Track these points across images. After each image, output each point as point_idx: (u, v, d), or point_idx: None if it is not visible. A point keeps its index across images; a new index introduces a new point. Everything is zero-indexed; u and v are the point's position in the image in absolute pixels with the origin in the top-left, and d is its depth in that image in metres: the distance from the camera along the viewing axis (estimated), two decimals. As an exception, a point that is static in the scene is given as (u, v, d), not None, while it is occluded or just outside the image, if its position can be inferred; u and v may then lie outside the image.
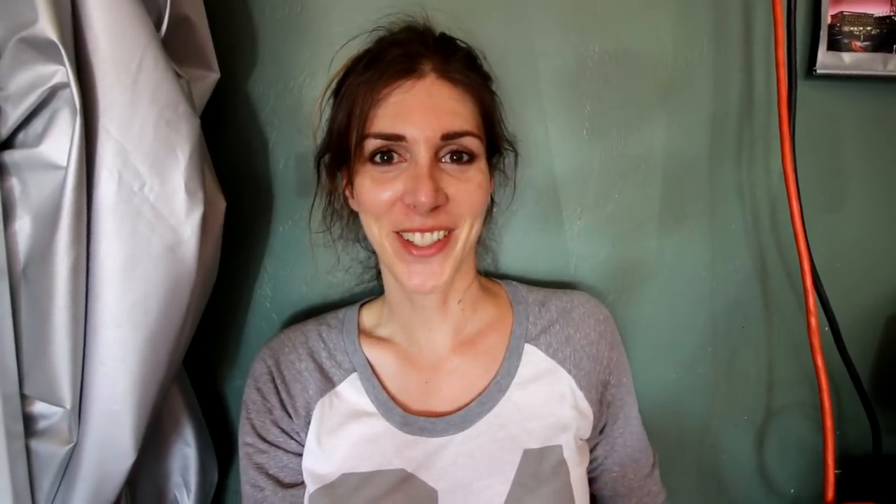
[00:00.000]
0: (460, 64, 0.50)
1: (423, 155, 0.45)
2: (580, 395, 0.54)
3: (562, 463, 0.51)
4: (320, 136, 0.55)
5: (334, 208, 0.57)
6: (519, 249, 0.69)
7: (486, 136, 0.50)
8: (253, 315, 0.69)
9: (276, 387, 0.54)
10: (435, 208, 0.45)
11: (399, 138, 0.45)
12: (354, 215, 0.56)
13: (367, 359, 0.54)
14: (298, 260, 0.67)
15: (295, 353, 0.55)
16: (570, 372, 0.55)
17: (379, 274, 0.61)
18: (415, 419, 0.52)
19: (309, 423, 0.53)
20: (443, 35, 0.52)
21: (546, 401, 0.53)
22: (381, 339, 0.56)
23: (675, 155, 0.67)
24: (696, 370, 0.72)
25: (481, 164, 0.49)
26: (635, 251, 0.69)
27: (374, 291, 0.66)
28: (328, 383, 0.54)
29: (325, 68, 0.58)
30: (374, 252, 0.60)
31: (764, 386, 0.74)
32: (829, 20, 0.64)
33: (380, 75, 0.46)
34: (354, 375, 0.54)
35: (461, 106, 0.48)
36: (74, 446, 0.46)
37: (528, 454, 0.50)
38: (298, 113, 0.63)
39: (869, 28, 0.64)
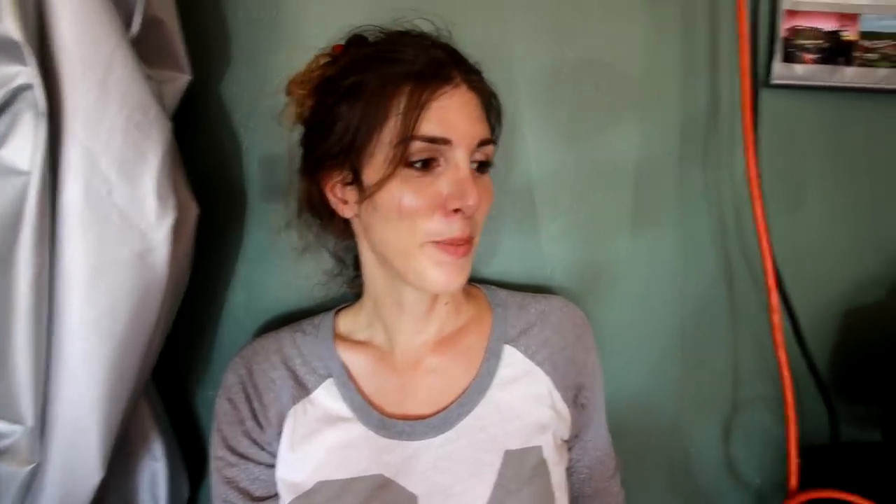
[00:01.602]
0: (478, 75, 0.51)
1: (464, 160, 0.46)
2: (557, 396, 0.55)
3: (542, 463, 0.52)
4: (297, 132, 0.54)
5: (314, 211, 0.55)
6: (495, 253, 0.70)
7: (495, 141, 0.52)
8: (226, 323, 0.67)
9: (247, 397, 0.53)
10: (467, 213, 0.46)
11: (446, 142, 0.45)
12: (334, 220, 0.54)
13: (343, 363, 0.54)
14: (273, 266, 0.66)
15: (268, 362, 0.54)
16: (547, 374, 0.55)
17: (353, 280, 0.60)
18: (393, 423, 0.51)
19: (281, 432, 0.52)
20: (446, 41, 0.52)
21: (525, 402, 0.54)
22: (357, 343, 0.56)
23: (646, 160, 0.70)
24: (666, 369, 0.75)
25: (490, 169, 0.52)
26: (608, 254, 0.71)
27: (348, 297, 0.65)
28: (302, 390, 0.53)
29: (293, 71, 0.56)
30: (341, 259, 0.59)
31: (730, 382, 0.76)
32: (783, 34, 0.67)
33: (419, 78, 0.45)
34: (330, 381, 0.53)
35: (485, 115, 0.50)
36: (36, 467, 0.44)
37: (508, 455, 0.51)
38: (274, 116, 0.62)
39: (819, 42, 0.68)
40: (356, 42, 0.50)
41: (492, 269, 0.70)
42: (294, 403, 0.52)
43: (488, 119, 0.51)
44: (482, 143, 0.47)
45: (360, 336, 0.56)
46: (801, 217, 0.72)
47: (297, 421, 0.52)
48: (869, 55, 0.69)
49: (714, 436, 0.78)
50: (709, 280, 0.73)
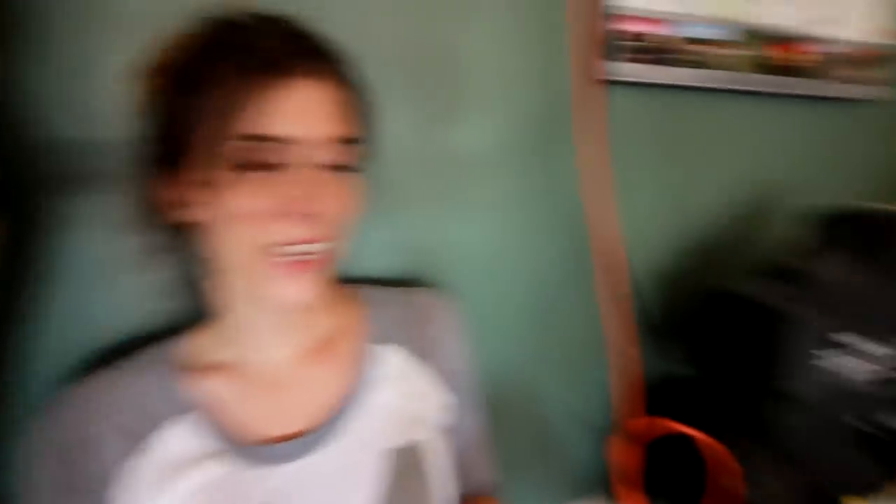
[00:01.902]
0: (335, 66, 0.45)
1: (310, 160, 0.41)
2: (438, 386, 0.57)
3: (426, 457, 0.52)
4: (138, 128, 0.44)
5: (150, 217, 0.47)
6: (355, 249, 0.67)
7: (359, 140, 0.47)
8: (34, 361, 0.52)
9: (64, 462, 0.43)
10: (317, 218, 0.41)
11: (291, 141, 0.40)
12: (174, 226, 0.46)
13: (192, 396, 0.46)
14: (98, 284, 0.53)
15: (91, 413, 0.44)
16: (427, 366, 0.56)
17: (197, 296, 0.52)
18: (263, 449, 0.46)
19: (111, 496, 0.43)
20: (301, 28, 0.45)
21: (407, 399, 0.53)
22: (210, 368, 0.48)
23: (501, 149, 0.75)
24: (523, 338, 0.83)
25: (356, 169, 0.46)
26: (468, 241, 0.75)
27: (194, 317, 0.55)
28: (138, 440, 0.44)
29: (121, 54, 0.49)
30: (183, 272, 0.52)
31: (578, 343, 0.87)
32: (610, 35, 0.76)
33: (255, 68, 0.38)
34: (180, 419, 0.45)
35: (341, 108, 0.43)
36: None
37: (393, 456, 0.50)
38: (89, 106, 0.51)
39: (644, 43, 0.79)
40: (199, 27, 0.43)
41: (353, 266, 0.68)
42: (128, 459, 0.43)
43: (349, 116, 0.45)
44: (336, 141, 0.42)
45: (212, 359, 0.49)
46: (634, 198, 0.84)
47: (138, 478, 0.43)
48: (689, 57, 0.82)
49: (567, 391, 0.89)
50: (557, 257, 0.82)
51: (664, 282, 0.92)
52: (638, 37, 0.77)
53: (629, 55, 0.78)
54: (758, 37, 0.87)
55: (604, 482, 1.00)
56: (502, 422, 0.83)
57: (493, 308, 0.79)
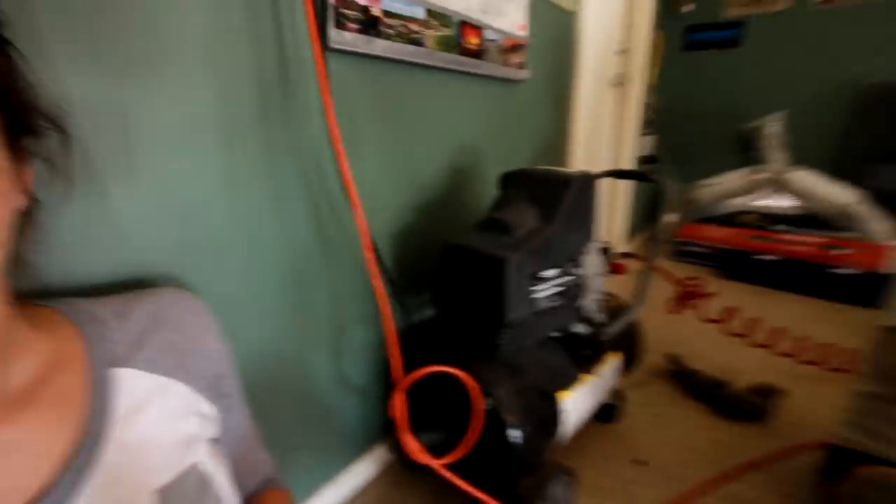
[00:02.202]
0: None
1: None
2: (199, 398, 0.50)
3: (203, 478, 0.47)
4: None
5: None
6: (64, 254, 0.51)
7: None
8: None
9: None
10: None
11: None
12: None
13: None
14: None
15: None
16: (181, 380, 0.48)
17: None
18: None
19: None
20: None
21: (163, 423, 0.45)
22: None
23: (227, 121, 0.66)
24: (281, 316, 0.80)
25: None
26: (203, 225, 0.66)
27: None
28: None
29: None
30: None
31: (334, 313, 0.89)
32: (332, 1, 0.75)
33: None
34: None
35: None
36: None
37: (163, 493, 0.43)
38: None
39: (357, 14, 0.80)
40: None
41: (64, 277, 0.52)
42: None
43: None
44: None
45: None
46: (363, 163, 0.88)
47: None
48: (389, 30, 0.87)
49: (328, 360, 0.90)
50: (303, 229, 0.81)
51: (399, 240, 1.02)
52: (351, 5, 0.78)
53: (353, 25, 0.79)
54: (448, 20, 1.00)
55: (381, 435, 1.09)
56: (273, 405, 0.80)
57: (248, 289, 0.73)
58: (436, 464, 0.76)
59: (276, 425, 0.82)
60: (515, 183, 0.97)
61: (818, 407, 1.35)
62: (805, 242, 2.53)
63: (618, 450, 1.17)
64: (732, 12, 3.27)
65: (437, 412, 0.86)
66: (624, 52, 2.35)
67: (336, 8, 0.76)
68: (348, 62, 0.81)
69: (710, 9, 3.32)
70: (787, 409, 1.34)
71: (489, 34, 1.14)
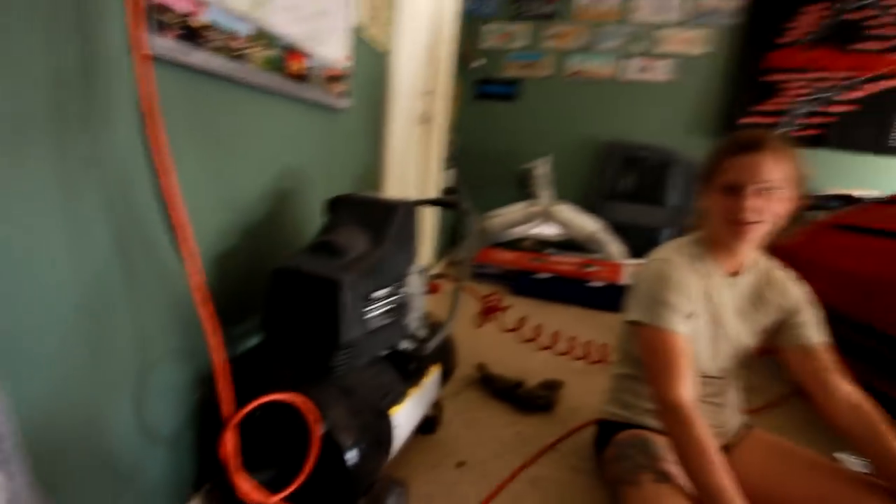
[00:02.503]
0: None
1: None
2: None
3: None
4: None
5: None
6: None
7: None
8: None
9: None
10: None
11: None
12: None
13: None
14: None
15: None
16: None
17: None
18: None
19: None
20: None
21: None
22: None
23: (9, 121, 0.54)
24: (75, 366, 0.67)
25: None
26: None
27: None
28: None
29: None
30: None
31: (139, 349, 0.78)
32: (146, 4, 0.68)
33: None
34: None
35: None
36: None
37: None
38: None
39: (178, 21, 0.74)
40: None
41: None
42: None
43: None
44: None
45: None
46: (180, 181, 0.78)
47: None
48: (211, 43, 0.82)
49: (130, 409, 0.78)
50: (104, 255, 0.69)
51: (221, 265, 0.94)
52: (171, 12, 0.72)
53: (172, 32, 0.73)
54: (273, 41, 0.99)
55: (197, 488, 0.96)
56: (61, 467, 0.67)
57: (21, 334, 0.59)
58: (272, 501, 0.72)
59: (66, 492, 0.67)
60: (344, 207, 1.00)
61: (589, 392, 1.69)
62: (568, 262, 3.12)
63: (439, 456, 1.26)
64: (510, 72, 3.91)
65: (269, 446, 0.81)
66: (429, 93, 2.59)
67: (153, 12, 0.69)
68: (165, 71, 0.74)
69: (495, 67, 3.92)
70: (568, 398, 1.64)
71: (313, 61, 1.16)
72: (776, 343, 1.07)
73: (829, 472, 0.98)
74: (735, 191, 0.94)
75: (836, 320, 1.54)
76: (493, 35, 3.85)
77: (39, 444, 0.61)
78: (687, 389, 0.92)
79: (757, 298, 1.06)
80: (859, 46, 3.36)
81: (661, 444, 1.01)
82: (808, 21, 3.42)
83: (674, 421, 0.90)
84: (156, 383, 0.83)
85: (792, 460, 1.04)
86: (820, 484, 0.96)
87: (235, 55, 0.87)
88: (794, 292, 1.05)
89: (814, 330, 1.02)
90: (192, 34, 0.77)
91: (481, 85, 3.93)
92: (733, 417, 1.14)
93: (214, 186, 0.90)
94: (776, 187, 0.91)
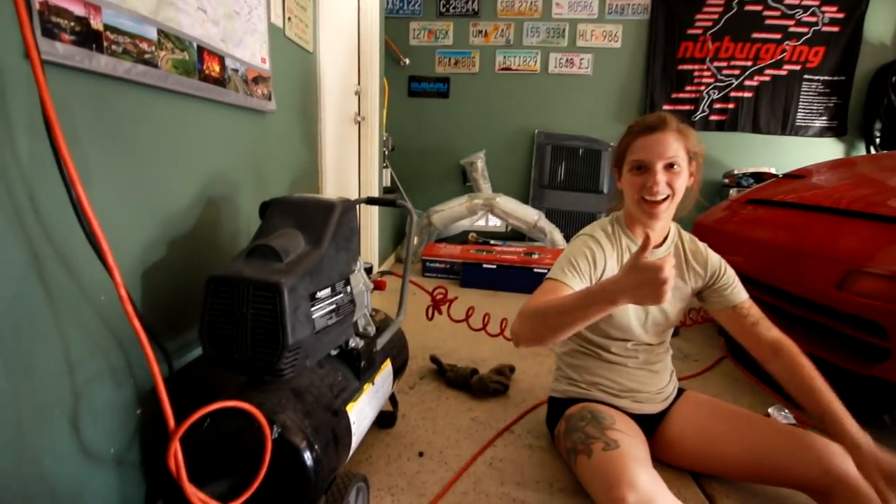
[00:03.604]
0: None
1: None
2: None
3: None
4: None
5: None
6: None
7: None
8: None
9: None
10: None
11: None
12: None
13: None
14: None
15: None
16: None
17: None
18: None
19: None
20: None
21: None
22: None
23: None
24: None
25: None
26: None
27: None
28: None
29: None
30: None
31: (66, 372, 0.73)
32: (38, 7, 0.64)
33: None
34: None
35: None
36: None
37: None
38: None
39: (73, 24, 0.70)
40: None
41: None
42: None
43: None
44: None
45: None
46: (95, 194, 0.74)
47: None
48: (115, 47, 0.78)
49: (64, 433, 0.73)
50: (16, 273, 0.65)
51: (149, 279, 0.91)
52: (65, 14, 0.68)
53: (68, 37, 0.69)
54: (183, 43, 0.95)
55: (159, 495, 0.92)
56: None
57: None
58: (226, 510, 0.70)
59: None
60: (279, 210, 0.98)
61: (540, 374, 1.75)
62: (513, 252, 3.20)
63: (399, 448, 1.27)
64: (441, 69, 3.95)
65: (224, 456, 0.79)
66: (359, 92, 2.57)
67: (43, 15, 0.65)
68: (66, 78, 0.70)
69: (425, 65, 3.94)
70: (519, 381, 1.69)
71: (231, 63, 1.13)
72: (707, 308, 1.17)
73: (759, 426, 1.07)
74: (644, 169, 1.02)
75: (756, 287, 1.70)
76: (421, 33, 3.87)
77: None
78: None
79: (678, 267, 1.14)
80: (757, 35, 3.68)
81: (608, 414, 1.08)
82: (712, 13, 3.70)
83: (528, 314, 0.95)
84: (93, 404, 0.78)
85: (724, 417, 1.13)
86: (750, 436, 1.06)
87: (143, 59, 0.84)
88: (713, 260, 1.14)
89: (736, 291, 1.12)
90: (91, 38, 0.73)
91: (413, 82, 3.95)
92: (670, 384, 1.22)
93: (135, 195, 0.86)
94: (680, 163, 1.00)
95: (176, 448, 0.68)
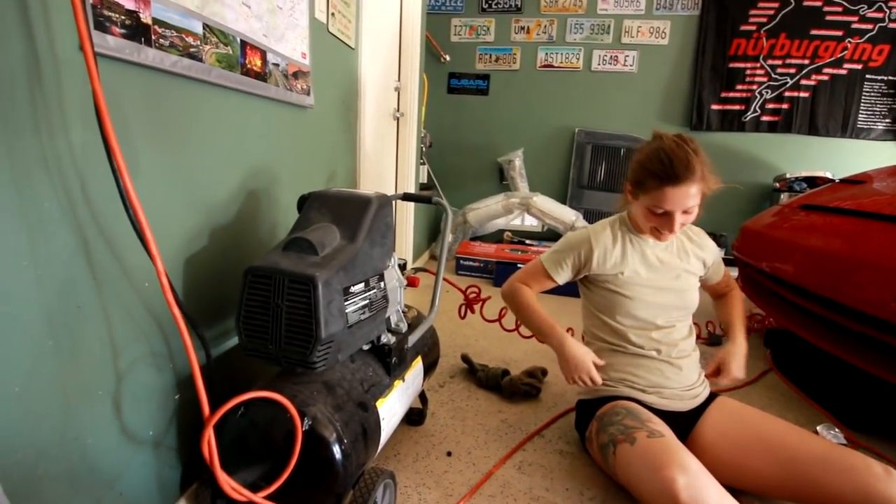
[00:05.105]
0: None
1: None
2: None
3: None
4: None
5: None
6: None
7: None
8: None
9: None
10: None
11: None
12: None
13: None
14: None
15: None
16: None
17: None
18: None
19: None
20: None
21: None
22: None
23: None
24: (41, 370, 0.64)
25: None
26: None
27: None
28: None
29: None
30: None
31: (111, 354, 0.76)
32: (91, 0, 0.66)
33: None
34: None
35: None
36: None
37: None
38: None
39: (124, 18, 0.72)
40: None
41: None
42: None
43: None
44: None
45: None
46: (142, 183, 0.77)
47: None
48: (162, 41, 0.80)
49: (107, 413, 0.76)
50: (68, 258, 0.67)
51: (191, 268, 0.93)
52: (116, 7, 0.70)
53: (118, 30, 0.71)
54: (227, 38, 0.97)
55: (183, 490, 0.94)
56: (32, 475, 0.64)
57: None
58: (256, 498, 0.71)
59: (42, 499, 0.65)
60: (316, 204, 0.99)
61: (570, 378, 1.71)
62: (548, 252, 3.14)
63: (427, 446, 1.26)
64: (481, 66, 3.92)
65: (254, 445, 0.80)
66: (399, 88, 2.58)
67: (96, 8, 0.67)
68: (116, 70, 0.72)
69: (465, 62, 3.92)
70: (551, 384, 1.65)
71: (272, 58, 1.14)
72: (700, 281, 1.29)
73: (795, 441, 0.99)
74: (663, 214, 1.08)
75: (807, 298, 1.60)
76: (462, 30, 3.85)
77: (6, 455, 0.59)
78: (529, 287, 1.31)
79: (682, 252, 1.24)
80: (816, 32, 3.47)
81: (643, 410, 1.07)
82: (767, 8, 3.51)
83: (511, 290, 1.32)
84: (134, 387, 0.81)
85: (758, 429, 1.06)
86: (785, 454, 0.98)
87: (189, 53, 0.86)
88: (709, 244, 1.28)
89: (721, 267, 1.32)
90: (141, 31, 0.75)
91: (453, 79, 3.93)
92: (699, 384, 1.19)
93: (178, 186, 0.88)
94: (696, 203, 1.06)
95: (210, 435, 0.69)
